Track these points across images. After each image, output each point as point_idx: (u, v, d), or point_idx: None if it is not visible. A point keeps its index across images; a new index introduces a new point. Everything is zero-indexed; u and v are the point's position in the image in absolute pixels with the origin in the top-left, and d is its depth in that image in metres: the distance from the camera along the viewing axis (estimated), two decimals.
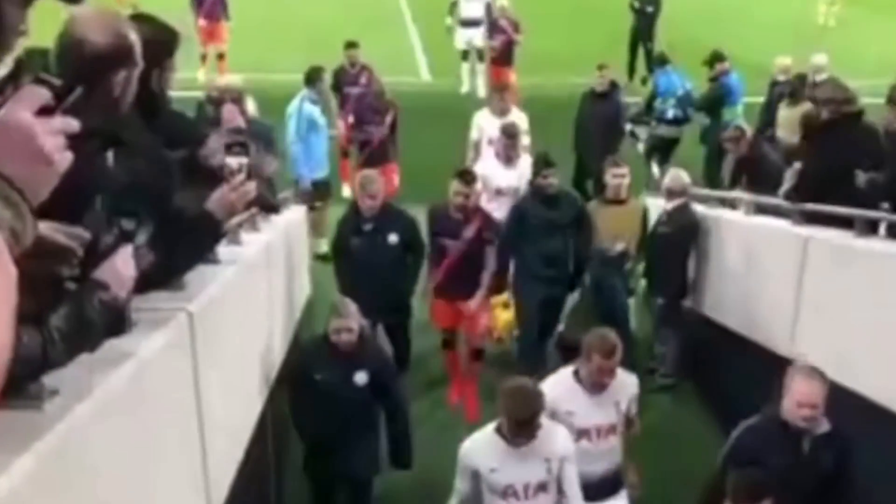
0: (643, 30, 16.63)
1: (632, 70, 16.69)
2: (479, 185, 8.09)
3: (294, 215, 8.57)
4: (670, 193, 8.06)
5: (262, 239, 5.93)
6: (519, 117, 9.49)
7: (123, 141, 2.51)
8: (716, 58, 11.82)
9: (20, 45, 1.99)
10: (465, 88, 15.73)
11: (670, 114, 11.90)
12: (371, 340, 6.11)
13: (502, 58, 14.55)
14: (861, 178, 5.92)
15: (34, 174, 1.27)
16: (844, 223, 5.93)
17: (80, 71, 2.61)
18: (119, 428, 2.50)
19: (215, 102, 7.65)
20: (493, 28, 14.55)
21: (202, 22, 15.76)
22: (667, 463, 6.83)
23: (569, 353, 6.76)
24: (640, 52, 16.68)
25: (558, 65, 16.69)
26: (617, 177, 7.85)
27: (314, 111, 10.28)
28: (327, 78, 10.79)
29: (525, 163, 8.34)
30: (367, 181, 7.35)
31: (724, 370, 7.64)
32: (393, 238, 7.26)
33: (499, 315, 8.14)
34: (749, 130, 8.98)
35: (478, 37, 15.08)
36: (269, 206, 6.62)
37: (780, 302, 6.54)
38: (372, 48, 17.81)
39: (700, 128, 11.97)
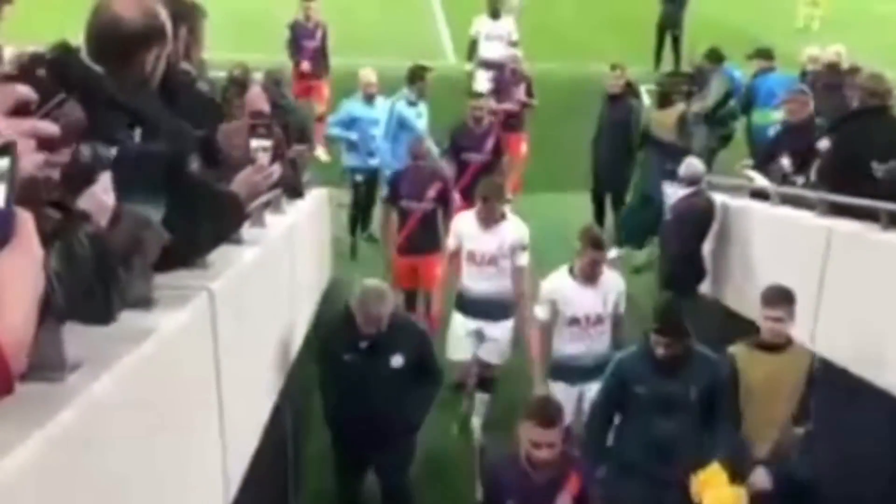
0: (671, 17, 16.51)
1: (658, 59, 16.60)
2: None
3: (317, 198, 8.59)
4: (682, 182, 8.06)
5: (286, 221, 5.95)
6: (515, 228, 7.26)
7: (150, 119, 2.52)
8: (756, 55, 11.64)
9: (6, 13, 1.99)
10: None
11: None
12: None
13: (513, 121, 11.70)
14: (879, 169, 5.84)
15: None
16: (869, 215, 5.90)
17: (114, 49, 2.63)
18: (139, 403, 2.52)
19: (239, 84, 7.64)
20: (500, 92, 11.70)
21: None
22: None
23: None
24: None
25: (566, 48, 16.63)
26: (771, 319, 5.56)
27: (408, 114, 9.68)
28: (430, 79, 9.98)
29: (611, 280, 6.55)
30: (375, 297, 5.58)
31: None
32: (397, 360, 5.71)
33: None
34: (811, 102, 8.30)
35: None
36: (293, 189, 6.65)
37: (802, 294, 6.50)
38: (395, 29, 17.97)
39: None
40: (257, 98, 6.17)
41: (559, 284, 6.46)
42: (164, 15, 2.78)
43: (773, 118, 10.72)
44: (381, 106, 10.04)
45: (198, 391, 3.28)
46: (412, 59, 11.52)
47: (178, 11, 3.38)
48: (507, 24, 13.32)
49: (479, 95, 10.27)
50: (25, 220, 1.13)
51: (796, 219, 6.92)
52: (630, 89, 10.95)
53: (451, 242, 7.39)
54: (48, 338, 2.01)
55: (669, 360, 5.32)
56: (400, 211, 8.33)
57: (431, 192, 8.23)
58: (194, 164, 3.25)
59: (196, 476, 3.27)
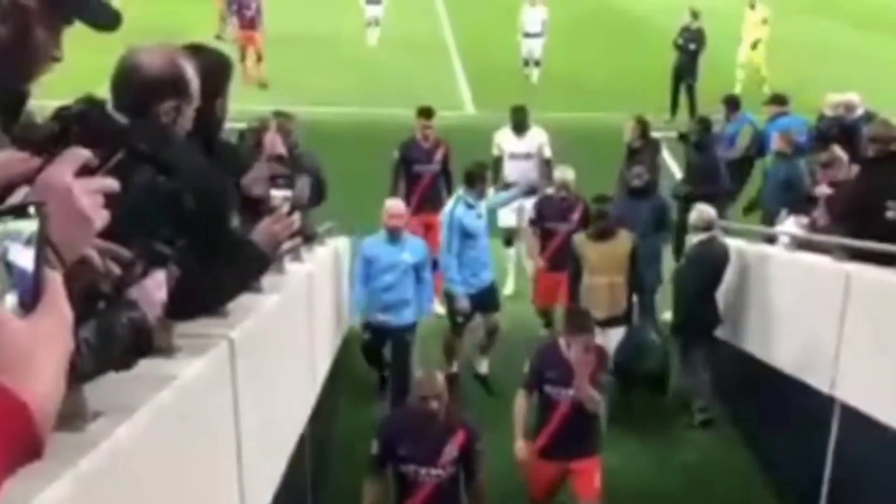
0: (686, 67, 16.71)
1: (674, 107, 16.74)
2: None
3: (337, 247, 8.63)
4: (696, 229, 8.05)
5: (305, 269, 6.00)
6: None
7: (175, 169, 2.56)
8: (771, 100, 11.66)
9: (54, 69, 2.07)
10: (509, 289, 10.42)
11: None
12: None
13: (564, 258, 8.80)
14: (893, 207, 5.83)
15: (71, 233, 1.31)
16: (886, 259, 5.89)
17: (130, 96, 2.69)
18: (158, 452, 2.54)
19: (257, 131, 7.69)
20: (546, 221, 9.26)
21: None
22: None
23: None
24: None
25: (585, 97, 16.79)
26: None
27: (469, 220, 8.37)
28: (489, 177, 8.83)
29: None
30: None
31: (766, 406, 7.56)
32: None
33: None
34: (842, 157, 7.87)
35: (530, 207, 9.71)
36: (307, 235, 6.68)
37: (822, 339, 6.48)
38: (414, 81, 18.22)
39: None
40: (275, 143, 6.23)
41: None
42: (188, 71, 2.81)
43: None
44: (409, 244, 8.03)
45: (217, 439, 3.30)
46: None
47: (222, 66, 3.42)
48: (537, 138, 10.68)
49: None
50: (53, 281, 1.14)
51: (815, 264, 6.90)
52: (647, 142, 10.45)
53: None
54: (70, 389, 2.04)
55: None
56: (399, 480, 5.52)
57: (450, 453, 5.42)
58: (235, 221, 3.27)
59: None
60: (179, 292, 2.39)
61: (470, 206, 8.39)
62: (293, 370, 5.37)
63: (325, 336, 6.89)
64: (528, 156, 10.55)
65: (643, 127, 10.38)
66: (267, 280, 4.38)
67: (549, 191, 9.41)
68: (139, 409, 2.40)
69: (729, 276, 8.04)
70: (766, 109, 11.60)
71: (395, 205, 8.16)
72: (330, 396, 6.85)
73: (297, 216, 3.49)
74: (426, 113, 10.18)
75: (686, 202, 9.57)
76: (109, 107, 2.62)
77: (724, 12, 19.53)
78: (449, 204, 8.57)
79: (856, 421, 5.99)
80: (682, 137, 11.83)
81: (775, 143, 9.98)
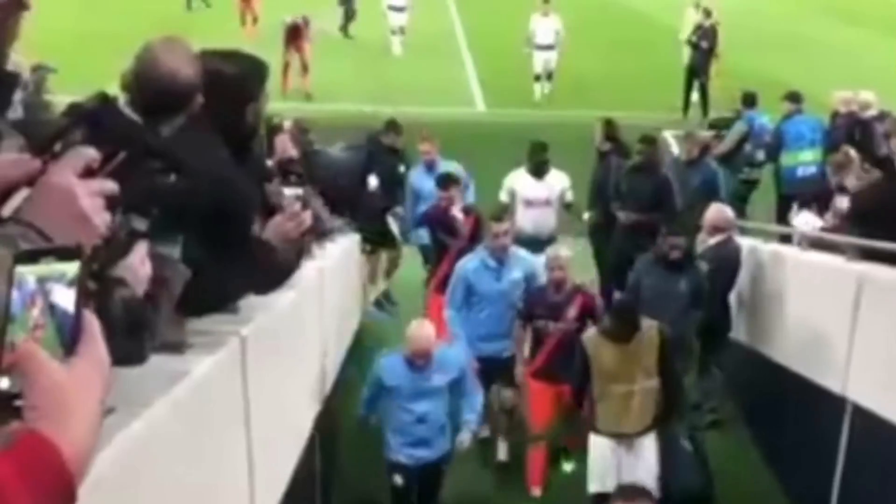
0: (699, 65, 16.68)
1: (687, 105, 16.71)
2: None
3: (347, 244, 8.63)
4: (714, 229, 7.99)
5: (317, 266, 5.99)
6: None
7: (188, 165, 2.56)
8: (786, 97, 11.63)
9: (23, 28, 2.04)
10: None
11: (760, 156, 11.57)
12: None
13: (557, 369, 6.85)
14: None
15: (73, 235, 1.30)
16: None
17: (173, 99, 2.71)
18: (169, 448, 2.55)
19: (269, 133, 7.67)
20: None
21: None
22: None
23: None
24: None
25: (594, 97, 16.75)
26: None
27: (477, 276, 7.24)
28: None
29: None
30: None
31: (777, 407, 7.54)
32: None
33: None
34: (855, 158, 7.80)
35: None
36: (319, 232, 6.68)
37: (834, 339, 6.45)
38: (426, 78, 18.22)
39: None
40: (286, 144, 6.22)
41: None
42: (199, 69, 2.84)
43: (801, 159, 10.74)
44: (440, 362, 6.12)
45: (227, 434, 3.31)
46: (442, 106, 11.55)
47: (256, 71, 3.42)
48: (558, 182, 9.26)
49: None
50: (91, 323, 1.13)
51: (828, 264, 6.88)
52: (617, 145, 9.71)
53: None
54: None
55: None
56: None
57: None
58: (256, 224, 3.28)
59: None
60: (192, 289, 2.39)
61: (489, 268, 7.19)
62: (304, 367, 5.38)
63: (336, 333, 6.89)
64: (547, 202, 9.09)
65: (610, 129, 9.70)
66: None
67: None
68: (151, 405, 2.40)
69: (741, 275, 8.00)
70: (782, 107, 11.53)
71: (420, 334, 6.05)
72: (340, 393, 6.85)
73: (308, 214, 3.50)
74: (441, 183, 8.58)
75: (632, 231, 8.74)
76: (122, 103, 2.63)
77: (726, 9, 19.35)
78: (465, 258, 7.46)
79: (867, 421, 5.97)
80: (714, 126, 11.82)
81: (684, 153, 9.89)
